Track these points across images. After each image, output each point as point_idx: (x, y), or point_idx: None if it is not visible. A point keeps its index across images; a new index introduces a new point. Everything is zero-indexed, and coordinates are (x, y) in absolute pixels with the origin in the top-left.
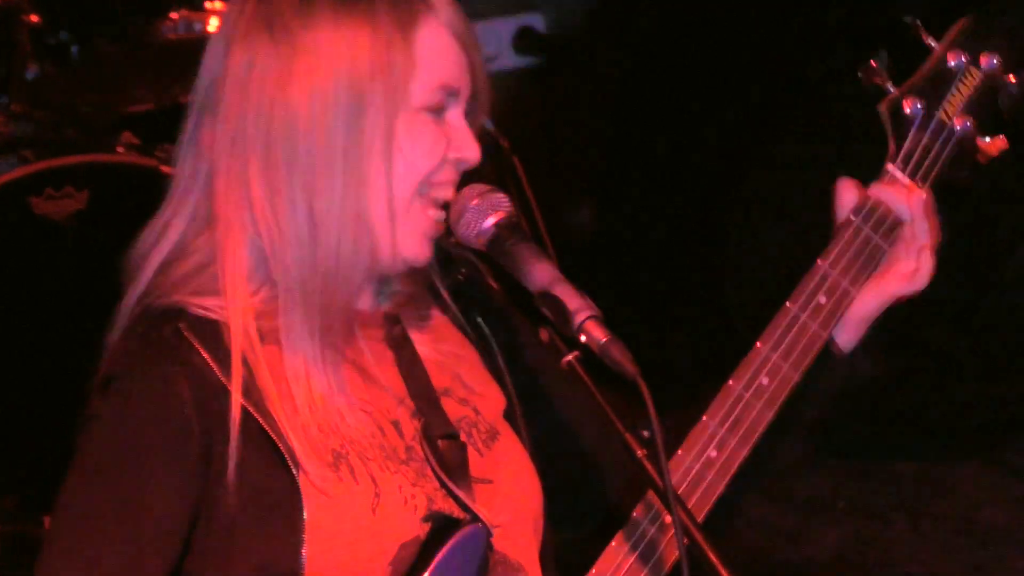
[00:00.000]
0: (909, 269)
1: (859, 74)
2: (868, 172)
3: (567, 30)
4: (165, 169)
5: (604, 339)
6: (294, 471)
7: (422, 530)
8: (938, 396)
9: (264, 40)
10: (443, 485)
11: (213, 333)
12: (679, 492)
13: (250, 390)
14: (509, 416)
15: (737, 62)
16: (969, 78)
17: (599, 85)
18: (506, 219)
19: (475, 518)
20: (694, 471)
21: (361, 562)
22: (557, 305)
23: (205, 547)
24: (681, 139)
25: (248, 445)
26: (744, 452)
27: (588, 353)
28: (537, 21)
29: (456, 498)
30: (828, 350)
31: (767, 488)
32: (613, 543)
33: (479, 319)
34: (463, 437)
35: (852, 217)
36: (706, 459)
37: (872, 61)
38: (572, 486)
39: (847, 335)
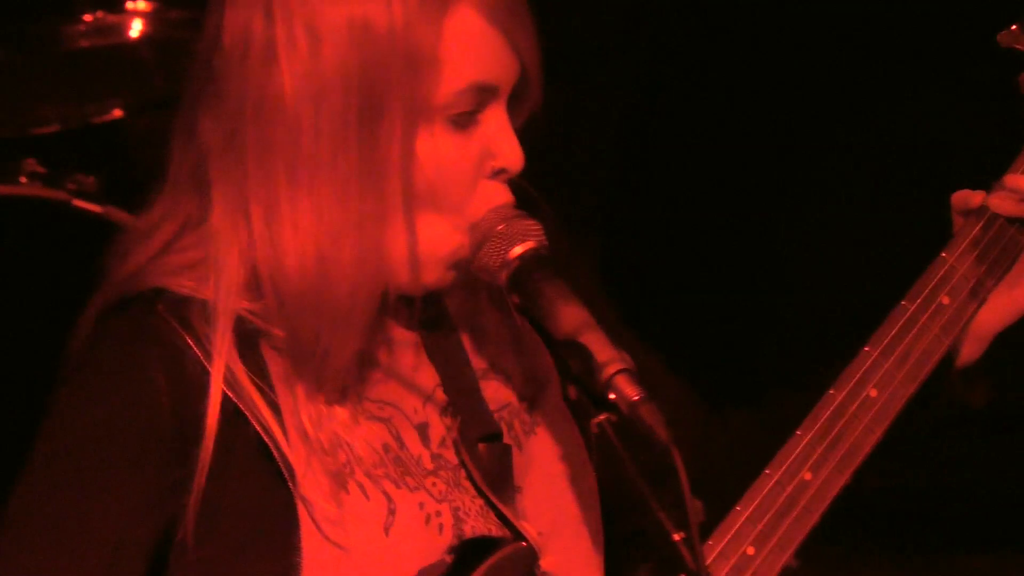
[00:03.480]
0: None
1: (999, 38)
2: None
3: (567, 31)
4: (78, 204)
5: (635, 398)
6: (290, 483)
7: (448, 555)
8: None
9: (258, 14)
10: (483, 497)
11: (196, 312)
12: (764, 522)
13: (237, 383)
14: (569, 402)
15: (773, 69)
16: None
17: (605, 97)
18: (533, 251)
19: (518, 536)
20: (784, 495)
21: None
22: (583, 355)
23: (184, 570)
24: (705, 162)
25: (234, 448)
26: (844, 478)
27: (620, 413)
28: None
29: (499, 513)
30: (944, 364)
31: None
32: None
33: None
34: (506, 434)
35: (986, 204)
36: (800, 482)
37: (1014, 25)
38: None
39: (968, 349)
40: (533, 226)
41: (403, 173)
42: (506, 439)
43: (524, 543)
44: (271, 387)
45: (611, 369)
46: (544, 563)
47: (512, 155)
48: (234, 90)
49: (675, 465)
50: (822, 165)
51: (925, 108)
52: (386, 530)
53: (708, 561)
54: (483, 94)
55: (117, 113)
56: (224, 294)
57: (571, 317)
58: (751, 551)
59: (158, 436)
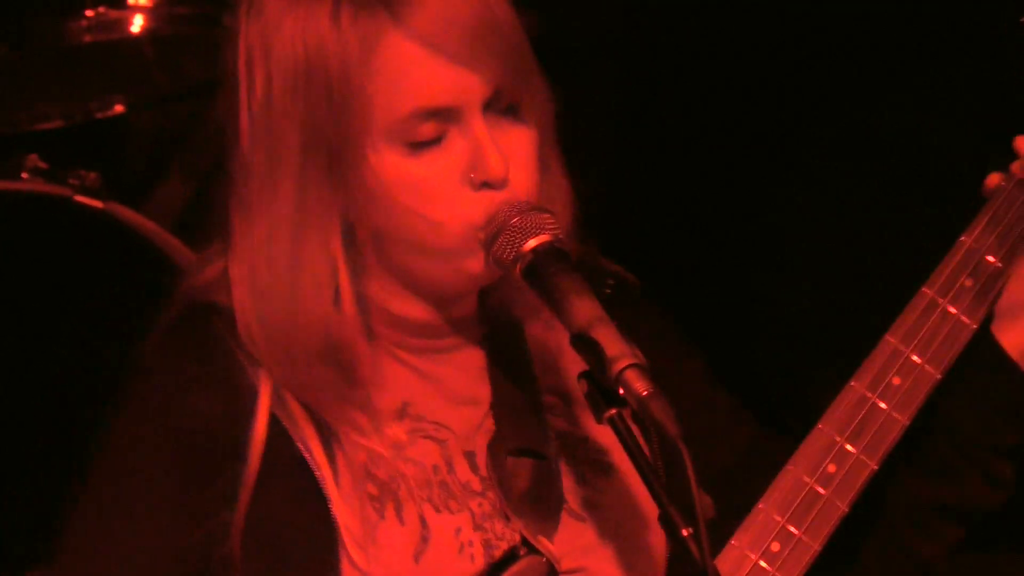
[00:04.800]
0: None
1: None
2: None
3: (559, 31)
4: (80, 199)
5: (644, 392)
6: (329, 505)
7: None
8: None
9: (240, 58)
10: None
11: None
12: (788, 516)
13: (284, 403)
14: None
15: (770, 66)
16: None
17: (600, 98)
18: (548, 245)
19: (532, 551)
20: (807, 489)
21: None
22: (595, 350)
23: None
24: (703, 160)
25: (277, 468)
26: (871, 467)
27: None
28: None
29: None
30: (991, 353)
31: None
32: None
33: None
34: (564, 459)
35: (1003, 183)
36: (823, 474)
37: None
38: None
39: (1014, 333)
40: (548, 219)
41: (361, 199)
42: (564, 465)
43: (539, 558)
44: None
45: (621, 364)
46: None
47: (490, 166)
48: (227, 127)
49: (684, 460)
50: (821, 161)
51: (923, 105)
52: (416, 558)
53: (732, 559)
54: (434, 117)
55: (119, 109)
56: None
57: (584, 311)
58: (776, 547)
59: (203, 454)
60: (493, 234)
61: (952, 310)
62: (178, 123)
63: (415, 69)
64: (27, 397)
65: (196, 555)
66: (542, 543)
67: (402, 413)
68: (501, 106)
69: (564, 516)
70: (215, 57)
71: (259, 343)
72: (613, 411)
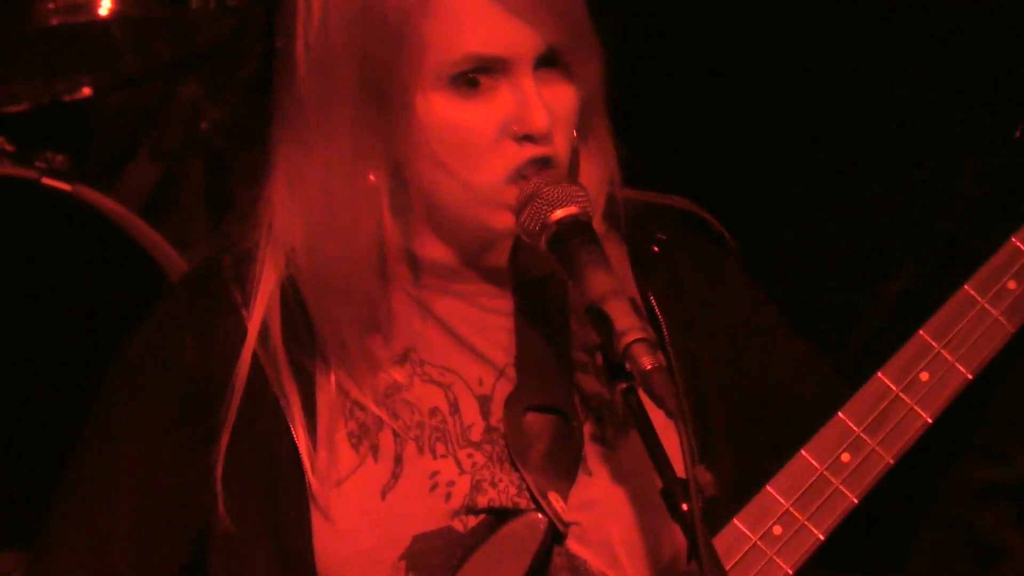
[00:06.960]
0: None
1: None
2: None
3: None
4: (47, 182)
5: (649, 367)
6: (297, 447)
7: (460, 523)
8: None
9: None
10: (512, 465)
11: (251, 269)
12: (793, 501)
13: (270, 344)
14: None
15: (761, 58)
16: None
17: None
18: (573, 217)
19: (538, 507)
20: (815, 476)
21: (364, 552)
22: (605, 323)
23: (218, 528)
24: (686, 155)
25: (254, 411)
26: (887, 461)
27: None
28: None
29: (526, 482)
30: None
31: None
32: None
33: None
34: (590, 422)
35: None
36: (836, 462)
37: None
38: None
39: None
40: (578, 192)
41: (405, 140)
42: (590, 428)
43: (538, 514)
44: (310, 349)
45: (628, 338)
46: (575, 545)
47: (532, 120)
48: (278, 63)
49: (680, 437)
50: (817, 153)
51: (920, 94)
52: (383, 494)
53: (731, 538)
54: (484, 63)
55: (87, 91)
56: (270, 259)
57: (599, 285)
58: (778, 531)
59: (191, 394)
60: (524, 202)
61: (991, 310)
62: (147, 105)
63: (472, 16)
64: None
65: (186, 495)
66: (551, 501)
67: (404, 358)
68: (552, 62)
69: (579, 475)
70: (184, 38)
71: (305, 272)
72: (625, 384)
